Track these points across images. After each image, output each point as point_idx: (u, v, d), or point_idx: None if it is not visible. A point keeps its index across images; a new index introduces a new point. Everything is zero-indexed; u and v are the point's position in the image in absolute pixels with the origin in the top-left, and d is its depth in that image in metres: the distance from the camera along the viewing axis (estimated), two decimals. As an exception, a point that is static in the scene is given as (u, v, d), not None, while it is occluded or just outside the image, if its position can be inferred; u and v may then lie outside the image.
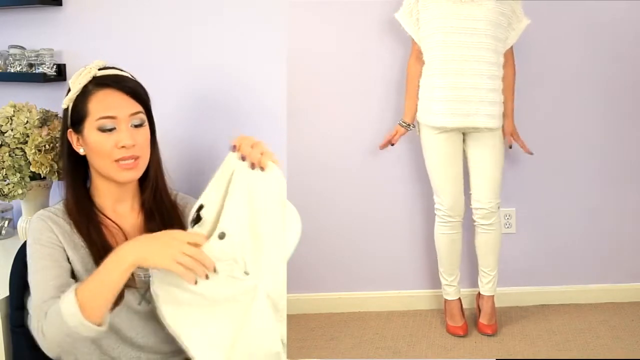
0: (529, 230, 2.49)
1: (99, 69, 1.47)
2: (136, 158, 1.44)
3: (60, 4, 2.23)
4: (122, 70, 1.51)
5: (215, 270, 1.31)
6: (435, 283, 2.41)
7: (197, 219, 1.37)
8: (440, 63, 2.11)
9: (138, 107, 1.46)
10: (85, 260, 1.43)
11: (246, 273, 1.35)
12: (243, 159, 1.36)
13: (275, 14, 1.87)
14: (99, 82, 1.45)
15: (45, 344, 1.30)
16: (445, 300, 2.34)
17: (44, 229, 1.44)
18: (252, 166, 1.35)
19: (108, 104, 1.43)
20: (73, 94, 1.46)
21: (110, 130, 1.43)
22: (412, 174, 2.44)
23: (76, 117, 1.46)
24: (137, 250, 1.29)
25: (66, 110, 1.49)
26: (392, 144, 2.27)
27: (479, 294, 2.35)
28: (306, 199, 2.25)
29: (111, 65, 1.51)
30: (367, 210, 2.47)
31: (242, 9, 1.91)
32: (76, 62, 2.22)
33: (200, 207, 1.37)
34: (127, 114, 1.43)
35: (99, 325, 1.27)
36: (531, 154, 2.28)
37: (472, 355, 2.16)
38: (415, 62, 2.20)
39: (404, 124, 2.25)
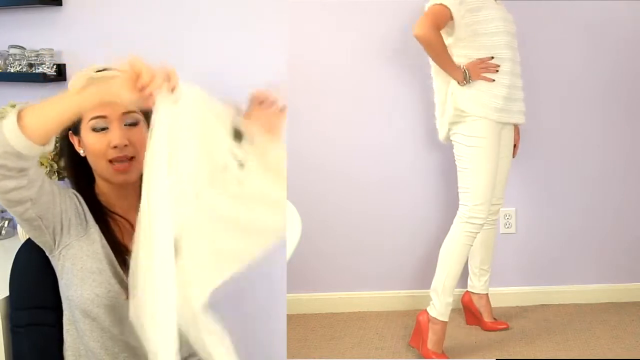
0: (529, 230, 2.49)
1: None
2: (130, 159, 1.44)
3: (60, 4, 2.23)
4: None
5: None
6: (435, 283, 2.41)
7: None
8: (508, 63, 2.07)
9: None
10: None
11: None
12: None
13: (276, 19, 1.87)
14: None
15: None
16: (435, 319, 2.11)
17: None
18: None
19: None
20: None
21: (103, 130, 1.43)
22: (412, 174, 2.44)
23: None
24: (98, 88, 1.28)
25: None
26: (497, 71, 2.06)
27: (470, 296, 2.34)
28: (306, 199, 2.25)
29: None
30: (367, 210, 2.46)
31: (243, 13, 1.91)
32: (76, 62, 2.22)
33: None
34: (118, 112, 1.44)
35: (40, 144, 1.22)
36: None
37: (472, 355, 2.16)
38: (437, 32, 1.99)
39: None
